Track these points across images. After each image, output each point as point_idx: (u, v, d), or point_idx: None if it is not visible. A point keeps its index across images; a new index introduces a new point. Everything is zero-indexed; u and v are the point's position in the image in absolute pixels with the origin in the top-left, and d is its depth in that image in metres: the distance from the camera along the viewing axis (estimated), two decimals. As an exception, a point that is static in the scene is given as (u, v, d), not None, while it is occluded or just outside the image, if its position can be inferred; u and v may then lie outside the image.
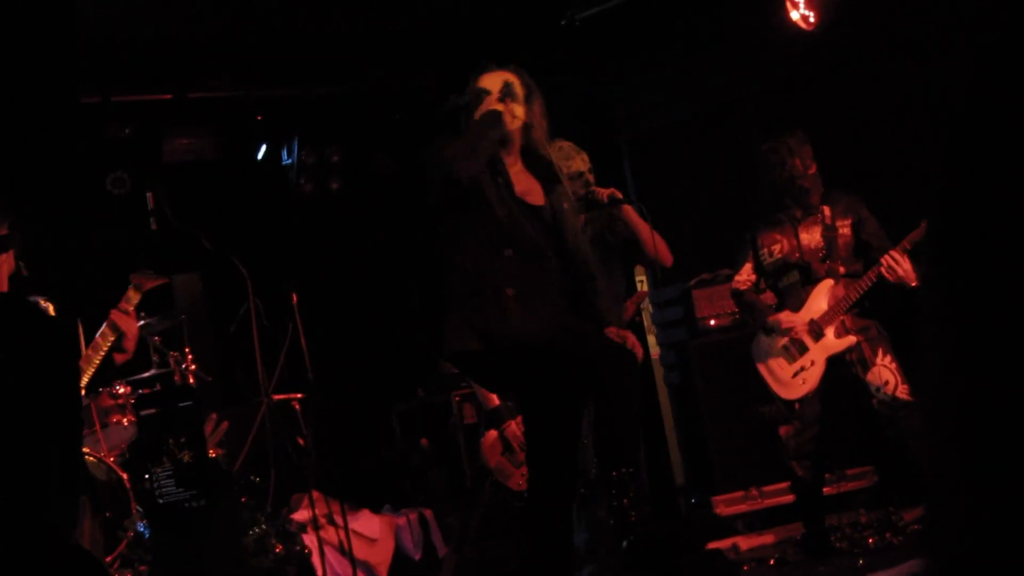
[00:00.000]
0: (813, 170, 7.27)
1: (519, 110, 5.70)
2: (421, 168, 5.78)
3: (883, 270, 6.95)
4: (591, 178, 6.57)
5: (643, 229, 6.73)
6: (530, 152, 5.78)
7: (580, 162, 6.57)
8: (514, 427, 7.71)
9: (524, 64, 9.61)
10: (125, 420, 7.27)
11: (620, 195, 6.63)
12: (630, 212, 6.76)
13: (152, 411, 6.94)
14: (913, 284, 6.90)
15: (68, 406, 5.51)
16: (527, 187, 5.67)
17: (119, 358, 5.95)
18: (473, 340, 5.37)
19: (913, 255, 6.90)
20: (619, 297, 6.78)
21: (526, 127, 5.72)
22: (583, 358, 5.39)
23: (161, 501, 6.73)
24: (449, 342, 5.46)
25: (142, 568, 6.92)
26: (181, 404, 7.04)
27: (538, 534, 5.35)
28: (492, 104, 5.62)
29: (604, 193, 6.58)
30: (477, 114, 5.62)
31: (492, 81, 5.76)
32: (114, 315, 5.73)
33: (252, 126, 9.52)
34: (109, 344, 5.73)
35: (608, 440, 5.43)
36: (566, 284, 5.62)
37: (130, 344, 5.78)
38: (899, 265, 6.90)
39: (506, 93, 5.66)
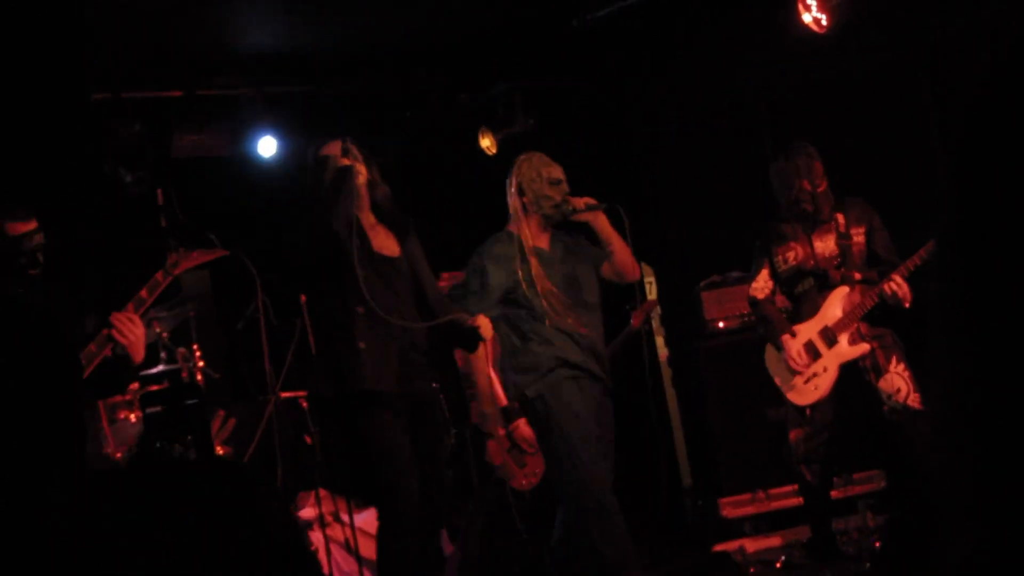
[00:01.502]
0: (823, 187, 7.26)
1: (361, 167, 6.01)
2: (280, 231, 6.20)
3: (885, 288, 6.96)
4: (567, 187, 6.58)
5: (615, 240, 6.73)
6: (379, 208, 6.15)
7: (558, 170, 6.58)
8: (522, 427, 7.71)
9: (534, 66, 9.67)
10: (132, 416, 7.27)
11: (595, 202, 6.61)
12: (603, 222, 6.73)
13: (158, 409, 6.94)
14: (906, 306, 6.92)
15: (65, 411, 5.51)
16: (382, 242, 6.07)
17: (126, 368, 5.86)
18: (329, 385, 5.87)
19: (913, 278, 6.91)
20: (593, 308, 6.78)
21: (371, 183, 6.07)
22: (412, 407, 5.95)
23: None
24: (311, 385, 6.26)
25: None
26: (188, 402, 7.04)
27: (391, 554, 5.82)
28: (338, 163, 5.95)
29: (581, 202, 6.57)
30: (327, 178, 5.95)
31: (331, 148, 6.05)
32: (113, 317, 5.64)
33: (262, 123, 9.50)
34: (108, 350, 5.63)
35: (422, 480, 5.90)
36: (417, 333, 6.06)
37: (136, 352, 5.69)
38: (899, 288, 6.92)
39: (346, 152, 5.95)
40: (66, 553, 4.70)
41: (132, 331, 5.58)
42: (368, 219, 6.11)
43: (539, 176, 6.54)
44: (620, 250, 6.69)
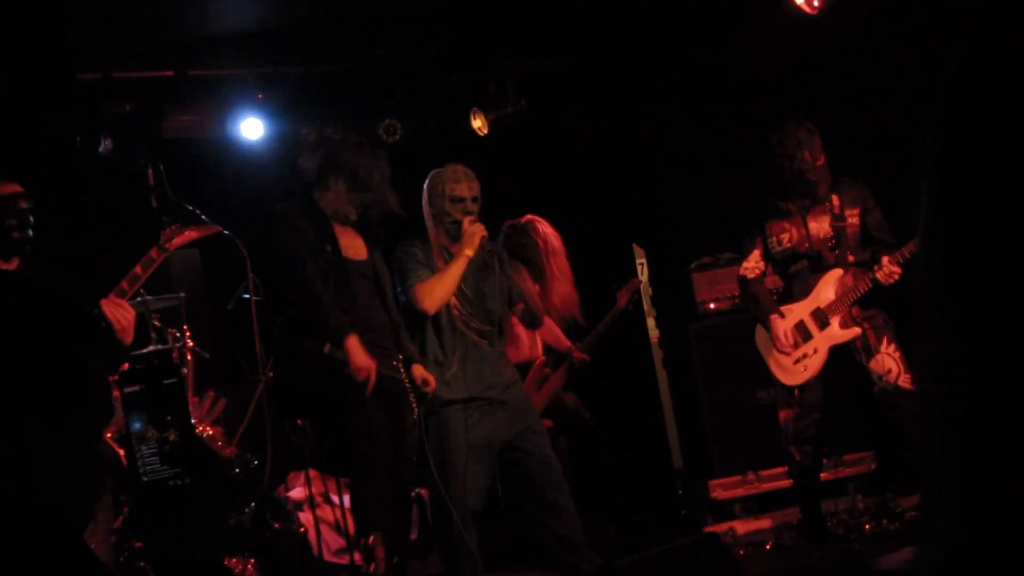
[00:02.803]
0: (821, 161, 7.27)
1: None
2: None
3: (879, 275, 6.98)
4: (473, 207, 6.59)
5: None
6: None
7: (466, 188, 6.59)
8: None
9: (527, 47, 9.64)
10: (118, 395, 7.25)
11: (476, 243, 6.64)
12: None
13: (136, 388, 6.93)
14: (891, 282, 6.96)
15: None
16: (349, 242, 6.58)
17: (116, 351, 5.87)
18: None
19: (907, 264, 6.94)
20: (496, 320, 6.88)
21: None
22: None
23: (145, 479, 6.72)
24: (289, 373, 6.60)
25: (137, 544, 6.92)
26: (166, 382, 7.03)
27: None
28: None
29: (471, 236, 6.57)
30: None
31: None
32: (104, 305, 5.64)
33: (253, 103, 9.48)
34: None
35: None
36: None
37: (125, 335, 5.69)
38: (893, 275, 6.95)
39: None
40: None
41: (124, 316, 5.59)
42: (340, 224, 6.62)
43: (442, 191, 6.59)
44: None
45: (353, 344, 6.14)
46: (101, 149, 8.98)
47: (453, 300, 6.56)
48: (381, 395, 6.34)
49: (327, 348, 6.17)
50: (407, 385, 6.42)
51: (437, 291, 6.47)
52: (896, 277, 6.98)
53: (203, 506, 7.07)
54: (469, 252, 6.50)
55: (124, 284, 5.67)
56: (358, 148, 6.63)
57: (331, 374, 6.24)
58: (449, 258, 6.53)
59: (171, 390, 7.06)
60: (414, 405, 6.37)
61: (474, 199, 6.64)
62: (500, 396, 6.55)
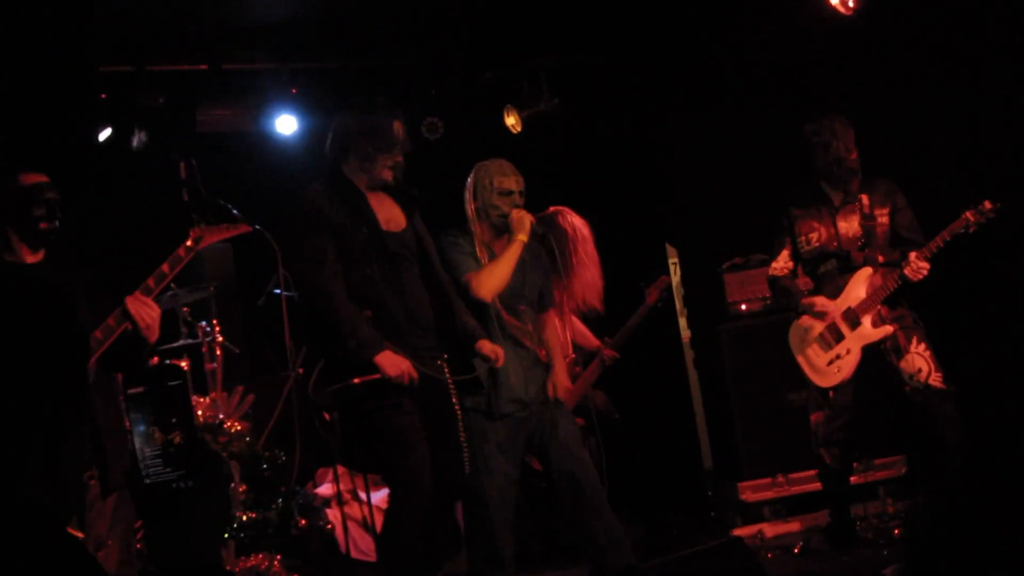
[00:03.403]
0: (855, 155, 7.26)
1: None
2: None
3: (907, 271, 6.95)
4: (520, 201, 6.53)
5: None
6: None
7: (514, 182, 6.54)
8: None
9: (560, 45, 9.62)
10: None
11: (539, 231, 6.57)
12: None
13: (140, 390, 6.90)
14: (920, 278, 6.93)
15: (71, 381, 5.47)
16: (387, 214, 6.15)
17: (141, 349, 5.80)
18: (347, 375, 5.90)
19: (939, 256, 6.91)
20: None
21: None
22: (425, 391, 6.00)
23: (148, 481, 6.70)
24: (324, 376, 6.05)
25: (138, 546, 6.90)
26: (170, 383, 7.00)
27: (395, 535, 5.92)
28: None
29: (521, 223, 6.50)
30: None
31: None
32: (128, 302, 5.60)
33: (286, 98, 9.50)
34: (121, 329, 5.59)
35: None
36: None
37: (151, 333, 5.63)
38: (921, 271, 6.92)
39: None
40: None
41: (148, 314, 5.55)
42: (376, 195, 6.20)
43: (490, 185, 6.52)
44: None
45: (382, 359, 5.80)
46: (134, 142, 9.01)
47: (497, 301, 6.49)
48: (424, 401, 5.99)
49: (355, 381, 5.79)
50: (451, 386, 6.12)
51: (494, 278, 6.35)
52: (924, 273, 6.95)
53: (206, 508, 7.06)
54: (523, 237, 6.41)
55: (150, 281, 5.62)
56: (373, 108, 6.44)
57: (364, 398, 5.88)
58: (491, 255, 6.48)
59: (176, 392, 7.05)
60: (458, 409, 6.11)
61: (521, 192, 6.57)
62: (537, 398, 6.49)
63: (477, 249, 6.50)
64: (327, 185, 6.12)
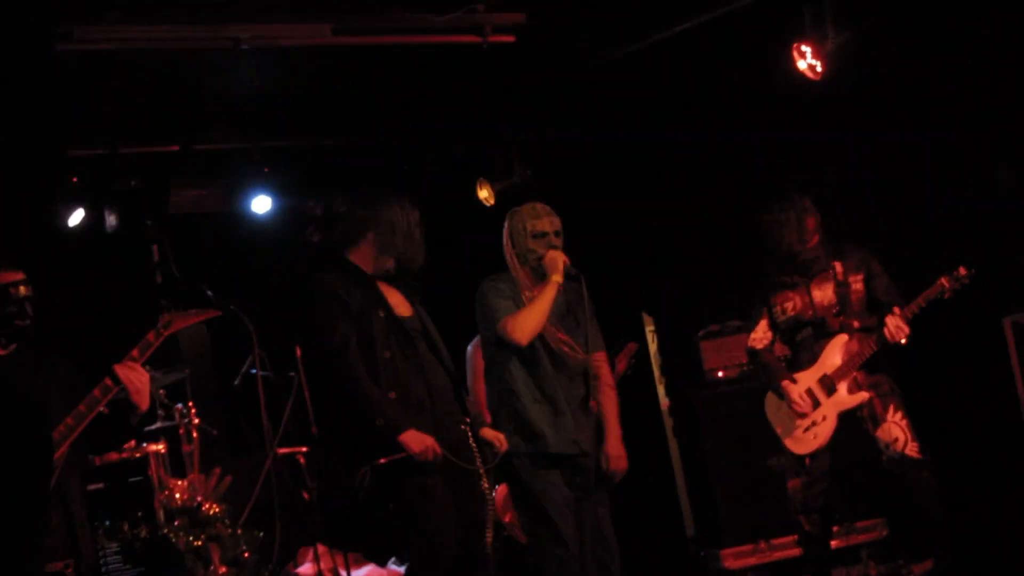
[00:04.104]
0: (815, 241, 7.30)
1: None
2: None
3: (886, 332, 6.97)
4: (556, 241, 6.52)
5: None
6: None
7: (547, 223, 6.53)
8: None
9: (531, 116, 9.65)
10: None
11: (564, 269, 6.53)
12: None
13: (100, 486, 6.86)
14: (903, 343, 6.94)
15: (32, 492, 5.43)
16: (395, 300, 6.19)
17: (134, 416, 5.79)
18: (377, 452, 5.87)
19: (915, 321, 6.93)
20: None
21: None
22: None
23: (107, 579, 6.65)
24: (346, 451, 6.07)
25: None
26: (131, 480, 6.97)
27: None
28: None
29: (554, 265, 6.48)
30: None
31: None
32: (118, 369, 5.61)
33: (259, 178, 9.51)
34: (108, 398, 5.59)
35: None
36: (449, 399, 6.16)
37: (141, 400, 5.64)
38: (900, 331, 6.94)
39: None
40: None
41: (138, 378, 5.56)
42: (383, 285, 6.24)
43: (523, 229, 6.51)
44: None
45: (407, 437, 5.79)
46: (107, 225, 8.99)
47: (553, 336, 6.44)
48: (450, 481, 5.97)
49: (382, 460, 5.78)
50: (479, 462, 6.05)
51: (529, 320, 6.31)
52: (904, 333, 6.96)
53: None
54: (557, 278, 6.37)
55: (135, 352, 5.66)
56: (385, 198, 6.43)
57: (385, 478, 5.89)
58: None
59: (138, 488, 7.02)
60: (486, 489, 6.02)
61: (556, 233, 6.55)
62: (592, 450, 6.42)
63: (522, 294, 6.48)
64: (339, 272, 6.15)
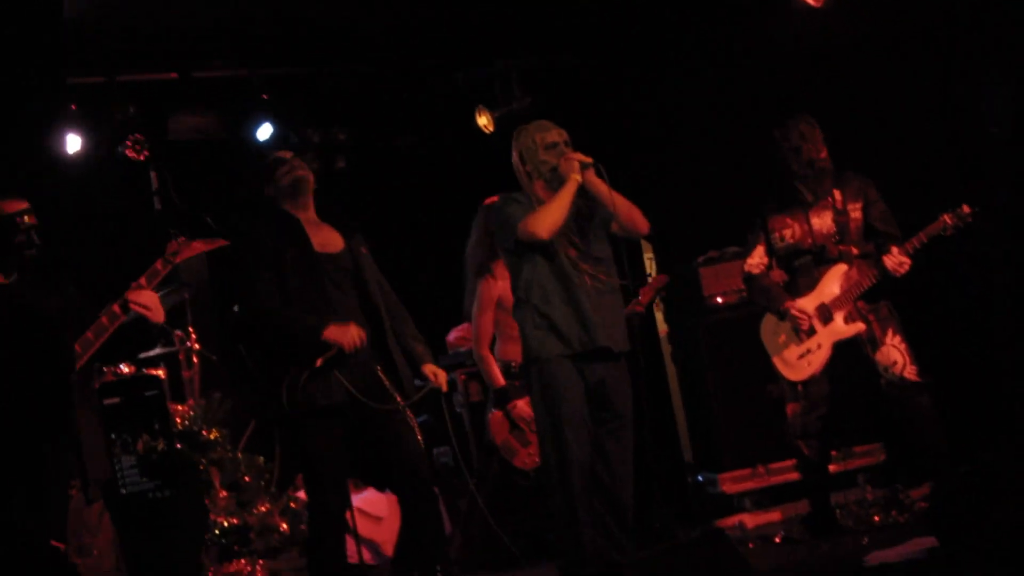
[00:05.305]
0: (824, 154, 7.28)
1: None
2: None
3: (887, 261, 6.99)
4: (567, 150, 6.51)
5: (615, 196, 6.53)
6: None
7: (556, 134, 6.53)
8: (521, 406, 7.71)
9: (532, 43, 9.61)
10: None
11: (586, 159, 6.49)
12: (596, 181, 6.56)
13: (116, 400, 6.92)
14: (901, 273, 6.97)
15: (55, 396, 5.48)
16: (324, 238, 6.35)
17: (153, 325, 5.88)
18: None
19: (917, 255, 6.95)
20: (608, 263, 6.68)
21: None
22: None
23: (124, 492, 6.71)
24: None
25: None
26: (147, 394, 7.02)
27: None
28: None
29: (574, 160, 6.44)
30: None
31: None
32: (128, 294, 5.66)
33: (258, 105, 9.49)
34: (116, 325, 5.64)
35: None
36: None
37: (157, 316, 5.72)
38: (903, 266, 6.96)
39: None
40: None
41: (148, 299, 5.62)
42: (310, 216, 6.42)
43: (535, 143, 6.51)
44: (621, 204, 6.55)
45: (331, 333, 5.99)
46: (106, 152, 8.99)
47: (565, 245, 6.47)
48: (367, 421, 6.18)
49: (319, 362, 5.97)
50: (389, 388, 6.23)
51: (549, 215, 6.30)
52: (906, 268, 7.00)
53: (183, 518, 7.05)
54: (577, 177, 6.36)
55: (142, 280, 5.71)
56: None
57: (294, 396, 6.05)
58: None
59: (153, 402, 7.07)
60: (402, 404, 6.20)
61: (566, 142, 6.57)
62: (608, 344, 6.45)
63: (536, 206, 6.47)
64: (261, 209, 6.47)
